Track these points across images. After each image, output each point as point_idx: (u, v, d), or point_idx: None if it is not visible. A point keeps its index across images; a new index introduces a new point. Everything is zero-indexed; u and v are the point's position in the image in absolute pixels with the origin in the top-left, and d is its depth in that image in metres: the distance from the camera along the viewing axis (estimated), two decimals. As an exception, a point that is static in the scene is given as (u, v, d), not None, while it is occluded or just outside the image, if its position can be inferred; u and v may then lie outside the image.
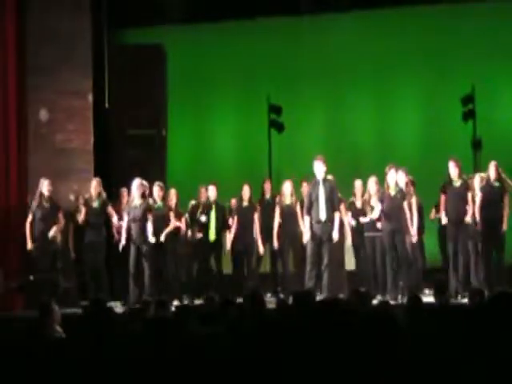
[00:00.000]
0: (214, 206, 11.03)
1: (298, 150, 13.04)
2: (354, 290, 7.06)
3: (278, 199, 10.86)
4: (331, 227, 9.81)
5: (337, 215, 9.91)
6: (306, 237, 9.90)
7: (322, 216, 9.82)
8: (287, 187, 10.72)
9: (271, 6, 13.22)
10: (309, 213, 9.90)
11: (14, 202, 11.14)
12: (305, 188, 10.83)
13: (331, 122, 13.53)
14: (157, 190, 10.65)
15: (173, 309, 7.94)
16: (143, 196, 10.36)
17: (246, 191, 10.94)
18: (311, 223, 9.86)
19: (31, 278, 10.60)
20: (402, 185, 10.09)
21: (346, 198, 10.95)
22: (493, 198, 9.79)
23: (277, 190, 11.24)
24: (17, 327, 7.17)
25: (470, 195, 9.96)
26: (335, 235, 9.81)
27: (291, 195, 10.70)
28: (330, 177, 10.23)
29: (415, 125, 13.31)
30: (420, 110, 13.31)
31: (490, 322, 2.76)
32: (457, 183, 10.04)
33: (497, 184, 9.88)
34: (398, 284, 9.93)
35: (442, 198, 10.20)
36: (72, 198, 11.08)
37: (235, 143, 13.78)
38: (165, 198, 10.75)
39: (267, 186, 11.25)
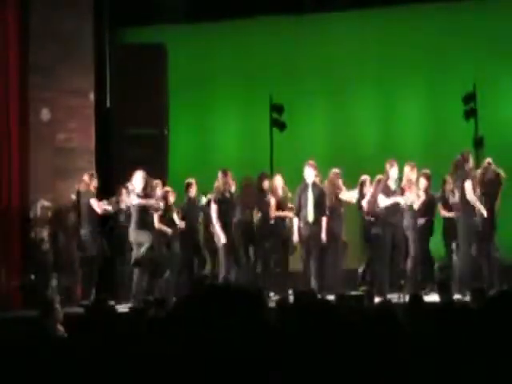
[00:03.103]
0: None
1: (300, 148, 13.03)
2: (340, 296, 7.13)
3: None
4: (318, 229, 10.36)
5: (324, 219, 10.42)
6: (295, 237, 10.52)
7: (310, 218, 10.37)
8: (278, 180, 10.97)
9: (273, 5, 13.21)
10: (298, 214, 10.49)
11: (15, 202, 11.14)
12: None
13: (333, 121, 13.53)
14: (158, 189, 10.66)
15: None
16: (145, 189, 10.28)
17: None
18: (299, 224, 10.47)
19: (32, 277, 10.61)
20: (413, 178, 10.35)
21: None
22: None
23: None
24: (18, 326, 7.18)
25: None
26: (323, 236, 10.37)
27: (282, 188, 10.94)
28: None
29: (417, 123, 13.31)
30: (422, 108, 13.31)
31: (491, 322, 2.76)
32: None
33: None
34: (395, 282, 10.11)
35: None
36: (73, 197, 11.07)
37: (237, 142, 13.77)
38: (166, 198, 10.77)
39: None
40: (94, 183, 10.74)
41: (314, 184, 10.49)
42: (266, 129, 12.64)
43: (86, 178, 10.72)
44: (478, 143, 11.92)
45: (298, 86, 13.37)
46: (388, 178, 10.31)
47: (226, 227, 10.36)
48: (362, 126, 13.42)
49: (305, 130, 13.38)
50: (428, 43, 13.02)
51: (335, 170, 10.92)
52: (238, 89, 13.73)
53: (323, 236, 10.37)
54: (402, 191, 10.25)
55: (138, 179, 10.22)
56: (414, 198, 10.19)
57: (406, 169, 10.39)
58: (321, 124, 13.56)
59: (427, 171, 10.85)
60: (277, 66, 13.42)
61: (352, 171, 11.46)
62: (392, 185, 10.27)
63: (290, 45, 13.47)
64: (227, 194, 10.49)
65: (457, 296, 9.17)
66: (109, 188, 11.71)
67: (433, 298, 9.19)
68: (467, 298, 8.75)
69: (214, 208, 10.39)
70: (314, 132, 13.49)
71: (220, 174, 10.52)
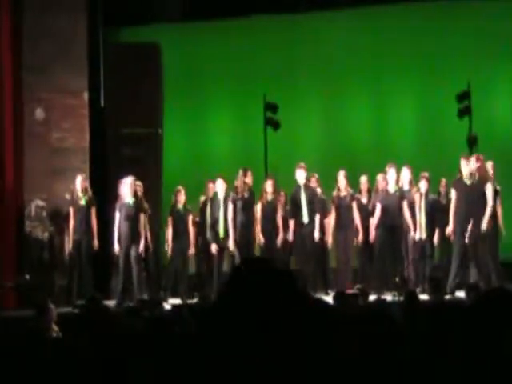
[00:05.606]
0: (222, 202, 10.98)
1: (294, 147, 13.05)
2: (338, 293, 7.18)
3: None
4: (312, 228, 10.60)
5: (317, 217, 10.61)
6: (291, 237, 10.76)
7: (305, 219, 10.63)
8: (269, 185, 10.92)
9: (268, 4, 13.21)
10: (293, 216, 10.73)
11: (9, 202, 11.11)
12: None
13: (327, 119, 13.54)
14: (140, 190, 10.62)
15: (168, 307, 7.96)
16: (135, 195, 10.32)
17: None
18: (296, 225, 10.70)
19: (27, 277, 10.60)
20: (406, 182, 10.58)
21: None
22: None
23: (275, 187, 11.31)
24: (12, 326, 7.17)
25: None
26: (316, 235, 10.58)
27: (272, 193, 10.92)
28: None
29: (411, 122, 13.33)
30: (416, 106, 13.32)
31: (486, 319, 2.76)
32: (469, 181, 10.00)
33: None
34: (387, 281, 10.21)
35: (454, 196, 10.10)
36: (68, 197, 11.05)
37: (231, 141, 13.76)
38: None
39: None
40: (88, 187, 10.70)
41: (306, 185, 10.74)
42: (260, 127, 12.64)
43: (81, 179, 10.64)
44: (472, 141, 11.94)
45: (293, 84, 13.38)
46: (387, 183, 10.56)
47: (240, 226, 10.40)
48: (356, 124, 13.43)
49: (299, 128, 13.38)
50: (423, 42, 13.03)
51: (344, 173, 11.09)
52: (233, 88, 13.73)
53: (316, 234, 10.54)
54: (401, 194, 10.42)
55: (125, 187, 10.29)
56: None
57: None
58: (315, 123, 13.57)
59: (426, 174, 10.85)
60: (271, 64, 13.42)
61: (346, 170, 11.47)
62: (391, 188, 10.49)
63: (284, 44, 13.47)
64: (245, 194, 10.53)
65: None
66: (103, 188, 11.70)
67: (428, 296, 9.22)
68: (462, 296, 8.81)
69: (230, 207, 10.44)
70: (308, 131, 13.49)
71: (240, 173, 10.59)
